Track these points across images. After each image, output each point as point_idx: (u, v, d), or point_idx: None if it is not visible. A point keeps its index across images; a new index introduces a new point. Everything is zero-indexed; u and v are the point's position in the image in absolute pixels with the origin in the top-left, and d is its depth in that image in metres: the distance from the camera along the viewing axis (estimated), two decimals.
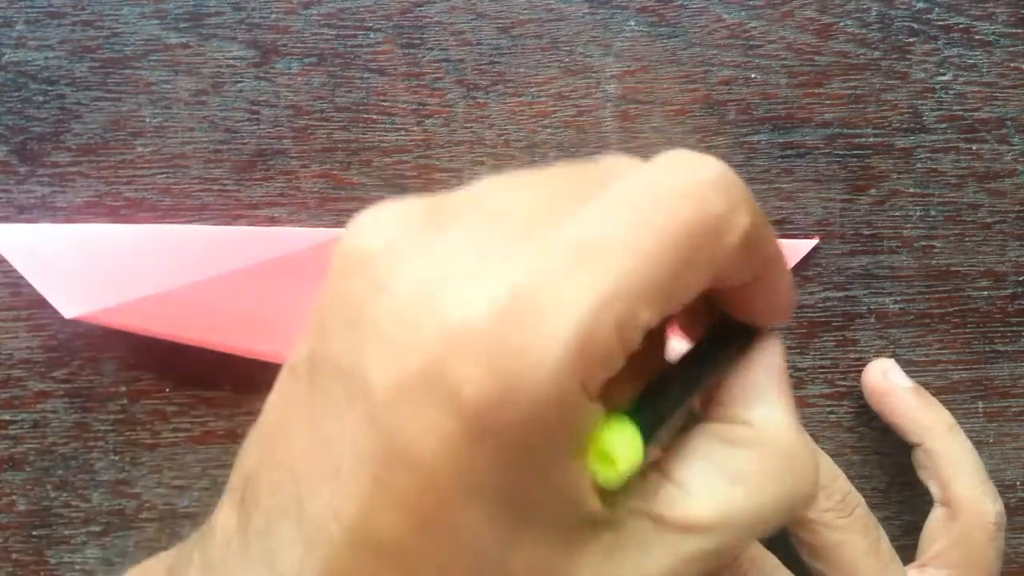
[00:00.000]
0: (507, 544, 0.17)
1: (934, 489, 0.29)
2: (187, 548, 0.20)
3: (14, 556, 0.30)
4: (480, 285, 0.16)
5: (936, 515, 0.29)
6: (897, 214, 0.32)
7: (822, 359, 0.32)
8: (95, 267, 0.28)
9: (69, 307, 0.28)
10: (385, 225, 0.17)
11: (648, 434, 0.16)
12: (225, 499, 0.19)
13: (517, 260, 0.16)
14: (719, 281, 0.18)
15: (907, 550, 0.29)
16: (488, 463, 0.16)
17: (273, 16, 0.30)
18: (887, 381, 0.30)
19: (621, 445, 0.16)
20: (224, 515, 0.18)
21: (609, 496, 0.17)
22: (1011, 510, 0.29)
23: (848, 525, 0.26)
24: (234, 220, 0.30)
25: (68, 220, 0.29)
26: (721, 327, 0.20)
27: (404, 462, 0.16)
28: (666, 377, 0.18)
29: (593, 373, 0.16)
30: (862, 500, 0.27)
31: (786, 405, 0.19)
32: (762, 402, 0.19)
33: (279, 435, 0.18)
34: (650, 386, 0.17)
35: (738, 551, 0.20)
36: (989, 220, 0.32)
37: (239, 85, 0.30)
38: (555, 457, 0.16)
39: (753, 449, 0.19)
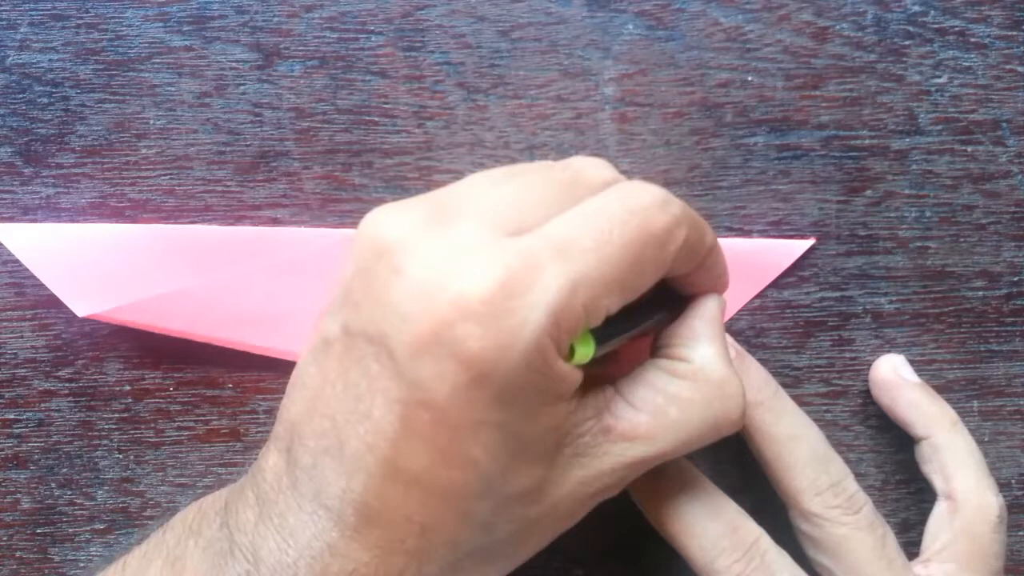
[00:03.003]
0: (506, 470, 0.21)
1: (938, 483, 0.29)
2: (239, 487, 0.23)
3: (18, 554, 0.30)
4: (481, 267, 0.20)
5: (939, 509, 0.29)
6: (893, 215, 0.32)
7: (818, 358, 0.32)
8: (105, 266, 0.29)
9: (81, 306, 0.28)
10: (398, 220, 0.21)
11: (600, 342, 0.22)
12: (271, 446, 0.23)
13: (510, 250, 0.20)
14: (668, 273, 0.23)
15: (904, 547, 0.29)
16: (488, 403, 0.20)
17: (275, 19, 0.30)
18: (897, 375, 0.31)
19: (581, 344, 0.22)
20: (272, 458, 0.22)
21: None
22: (1007, 508, 0.29)
23: (854, 521, 0.27)
24: (237, 221, 0.30)
25: (73, 221, 0.30)
26: (670, 292, 0.26)
27: (424, 404, 0.20)
28: (622, 314, 0.24)
29: (563, 337, 0.20)
30: (869, 501, 0.28)
31: (719, 347, 0.25)
32: (699, 344, 0.24)
33: (319, 391, 0.22)
34: (609, 318, 0.23)
35: (669, 458, 0.24)
36: (984, 221, 0.32)
37: (242, 88, 0.30)
38: (539, 399, 0.21)
39: (688, 379, 0.24)
